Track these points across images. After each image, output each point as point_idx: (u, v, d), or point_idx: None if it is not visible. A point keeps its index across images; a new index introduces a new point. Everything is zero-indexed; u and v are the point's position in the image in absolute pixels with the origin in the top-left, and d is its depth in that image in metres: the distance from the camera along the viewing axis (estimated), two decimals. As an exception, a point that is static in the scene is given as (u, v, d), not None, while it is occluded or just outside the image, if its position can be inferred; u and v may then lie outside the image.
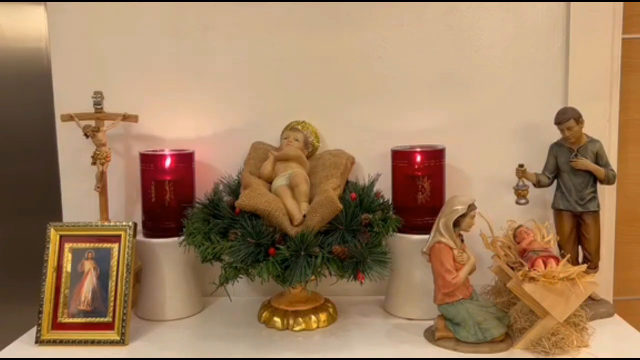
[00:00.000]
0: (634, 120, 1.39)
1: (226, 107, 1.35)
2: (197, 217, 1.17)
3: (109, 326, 1.13)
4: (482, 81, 1.33)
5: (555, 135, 1.22)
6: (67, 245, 1.17)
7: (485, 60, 1.33)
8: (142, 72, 1.34)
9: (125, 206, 1.38)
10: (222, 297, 1.28)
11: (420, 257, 1.13)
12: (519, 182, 1.21)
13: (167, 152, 1.29)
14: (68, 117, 1.27)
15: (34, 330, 1.15)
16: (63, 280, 1.16)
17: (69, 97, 1.33)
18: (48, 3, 1.34)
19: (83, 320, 1.14)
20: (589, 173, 1.19)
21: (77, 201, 1.36)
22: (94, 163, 1.27)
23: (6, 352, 1.12)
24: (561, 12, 1.31)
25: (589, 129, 1.20)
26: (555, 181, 1.23)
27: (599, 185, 1.21)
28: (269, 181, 1.22)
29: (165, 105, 1.35)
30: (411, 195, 1.23)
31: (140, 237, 1.24)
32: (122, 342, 1.12)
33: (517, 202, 1.21)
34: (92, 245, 1.17)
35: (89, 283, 1.16)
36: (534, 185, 1.23)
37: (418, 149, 1.24)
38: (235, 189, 1.23)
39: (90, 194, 1.29)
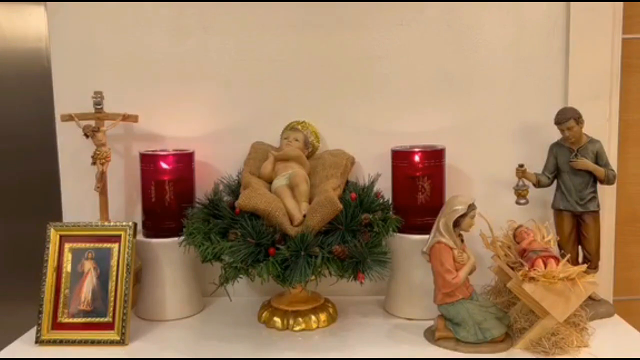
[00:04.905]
0: (634, 120, 1.39)
1: (226, 107, 1.35)
2: (197, 217, 1.17)
3: (109, 326, 1.13)
4: (482, 81, 1.33)
5: (555, 135, 1.22)
6: (67, 245, 1.17)
7: (485, 60, 1.33)
8: (142, 72, 1.34)
9: (125, 206, 1.38)
10: (222, 297, 1.28)
11: (420, 257, 1.13)
12: (519, 182, 1.21)
13: (167, 152, 1.29)
14: (68, 117, 1.27)
15: (34, 330, 1.15)
16: (63, 280, 1.16)
17: (69, 97, 1.33)
18: (48, 3, 1.34)
19: (83, 320, 1.14)
20: (589, 173, 1.19)
21: (77, 201, 1.36)
22: (94, 163, 1.27)
23: (6, 352, 1.12)
24: (561, 12, 1.31)
25: (589, 129, 1.20)
26: (555, 181, 1.23)
27: (599, 185, 1.21)
28: (269, 181, 1.22)
29: (165, 105, 1.35)
30: (411, 195, 1.23)
31: (140, 237, 1.24)
32: (122, 342, 1.12)
33: (517, 202, 1.21)
34: (92, 245, 1.17)
35: (89, 283, 1.16)
36: (534, 185, 1.23)
37: (418, 149, 1.24)
38: (235, 189, 1.23)
39: (90, 194, 1.29)
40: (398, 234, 1.20)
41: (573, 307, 1.06)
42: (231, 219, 1.14)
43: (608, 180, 1.19)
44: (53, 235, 1.17)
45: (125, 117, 1.29)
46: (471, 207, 1.10)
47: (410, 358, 1.06)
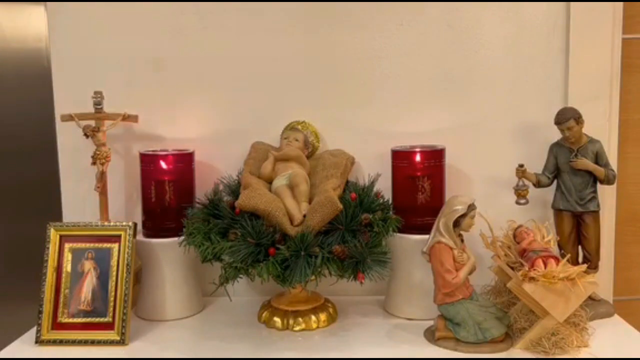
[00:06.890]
0: (634, 120, 1.39)
1: (226, 107, 1.35)
2: (197, 217, 1.17)
3: (109, 326, 1.13)
4: (482, 81, 1.33)
5: (555, 135, 1.22)
6: (67, 246, 1.17)
7: (485, 60, 1.33)
8: (142, 72, 1.34)
9: (125, 206, 1.38)
10: (222, 297, 1.28)
11: (420, 257, 1.13)
12: (519, 182, 1.21)
13: (167, 152, 1.29)
14: (68, 117, 1.27)
15: (34, 330, 1.15)
16: (63, 280, 1.16)
17: (69, 97, 1.33)
18: (48, 3, 1.34)
19: (83, 320, 1.14)
20: (589, 173, 1.19)
21: (77, 201, 1.36)
22: (94, 163, 1.26)
23: (6, 352, 1.12)
24: (561, 12, 1.31)
25: (589, 129, 1.20)
26: (555, 181, 1.23)
27: (599, 185, 1.21)
28: (269, 181, 1.22)
29: (165, 105, 1.35)
30: (411, 195, 1.23)
31: (140, 237, 1.25)
32: (122, 342, 1.12)
33: (517, 202, 1.21)
34: (92, 245, 1.17)
35: (89, 283, 1.16)
36: (534, 185, 1.23)
37: (418, 149, 1.24)
38: (235, 189, 1.23)
39: (90, 194, 1.29)
40: (398, 234, 1.20)
41: (573, 307, 1.06)
42: (231, 219, 1.14)
43: (608, 180, 1.19)
44: (53, 235, 1.17)
45: (125, 117, 1.28)
46: (471, 207, 1.10)
47: (410, 358, 1.06)
